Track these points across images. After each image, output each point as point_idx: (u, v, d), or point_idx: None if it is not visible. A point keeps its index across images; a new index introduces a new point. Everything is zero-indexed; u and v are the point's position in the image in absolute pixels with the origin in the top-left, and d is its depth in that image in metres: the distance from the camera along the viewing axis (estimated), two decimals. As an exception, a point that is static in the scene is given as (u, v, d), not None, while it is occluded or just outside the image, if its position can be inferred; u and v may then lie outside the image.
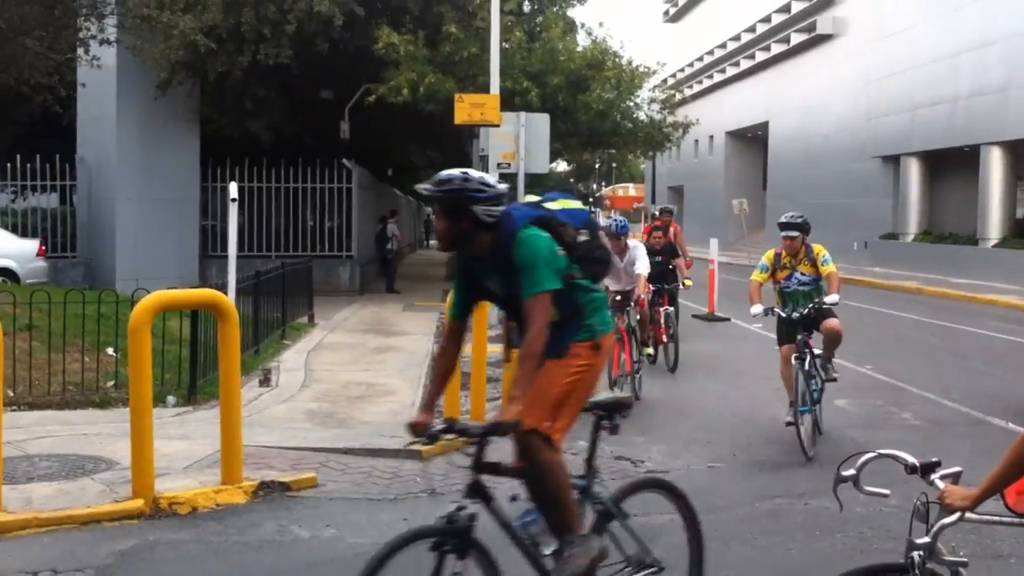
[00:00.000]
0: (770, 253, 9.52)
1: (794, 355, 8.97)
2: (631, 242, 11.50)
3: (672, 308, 13.55)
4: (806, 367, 8.87)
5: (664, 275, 13.24)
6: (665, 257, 13.42)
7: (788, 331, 9.18)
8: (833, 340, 9.22)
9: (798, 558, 6.14)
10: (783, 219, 9.36)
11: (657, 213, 17.56)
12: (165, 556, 5.94)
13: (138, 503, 6.59)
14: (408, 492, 7.56)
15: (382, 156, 34.27)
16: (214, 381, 9.00)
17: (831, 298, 9.00)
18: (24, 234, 20.68)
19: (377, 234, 27.12)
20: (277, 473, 7.47)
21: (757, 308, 9.13)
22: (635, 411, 10.59)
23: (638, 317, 11.59)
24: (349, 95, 24.56)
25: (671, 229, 15.01)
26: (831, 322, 9.11)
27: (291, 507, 6.86)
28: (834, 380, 9.51)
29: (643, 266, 11.16)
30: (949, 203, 34.79)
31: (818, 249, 9.32)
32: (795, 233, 9.17)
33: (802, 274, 9.27)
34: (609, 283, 10.36)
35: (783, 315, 9.17)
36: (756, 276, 9.54)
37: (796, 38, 45.58)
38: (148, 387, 6.81)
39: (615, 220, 11.98)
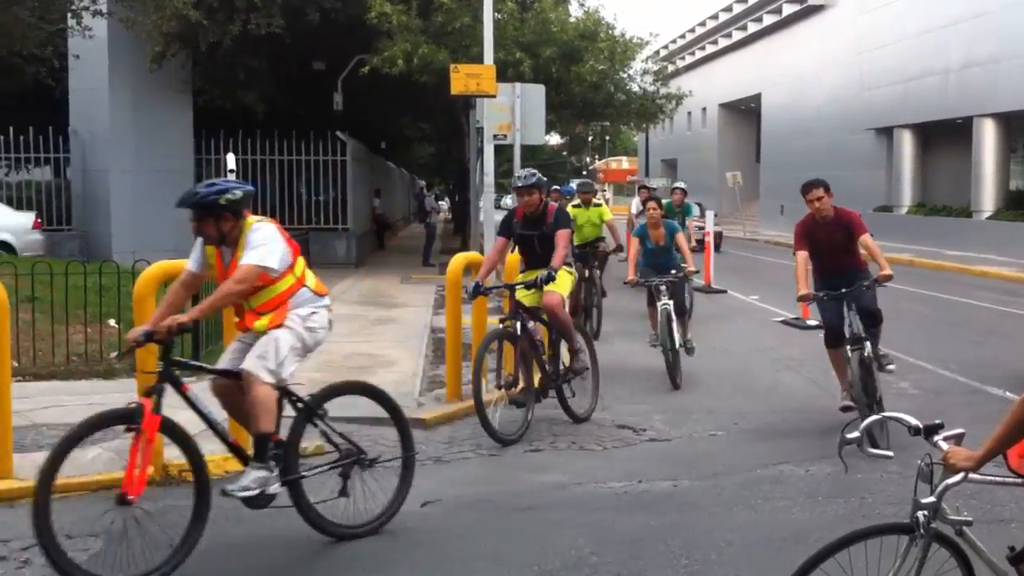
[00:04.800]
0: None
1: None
2: None
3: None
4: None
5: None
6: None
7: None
8: None
9: (801, 521, 6.23)
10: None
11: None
12: (176, 521, 5.99)
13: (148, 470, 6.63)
14: (413, 460, 7.64)
15: (375, 128, 34.18)
16: (218, 351, 9.03)
17: None
18: (18, 207, 20.63)
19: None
20: (283, 442, 7.49)
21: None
22: (636, 382, 10.73)
23: None
24: (341, 66, 24.45)
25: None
26: None
27: (299, 475, 6.89)
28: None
29: None
30: (942, 175, 34.84)
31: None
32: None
33: None
34: None
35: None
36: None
37: (788, 8, 45.43)
38: (154, 357, 6.82)
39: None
